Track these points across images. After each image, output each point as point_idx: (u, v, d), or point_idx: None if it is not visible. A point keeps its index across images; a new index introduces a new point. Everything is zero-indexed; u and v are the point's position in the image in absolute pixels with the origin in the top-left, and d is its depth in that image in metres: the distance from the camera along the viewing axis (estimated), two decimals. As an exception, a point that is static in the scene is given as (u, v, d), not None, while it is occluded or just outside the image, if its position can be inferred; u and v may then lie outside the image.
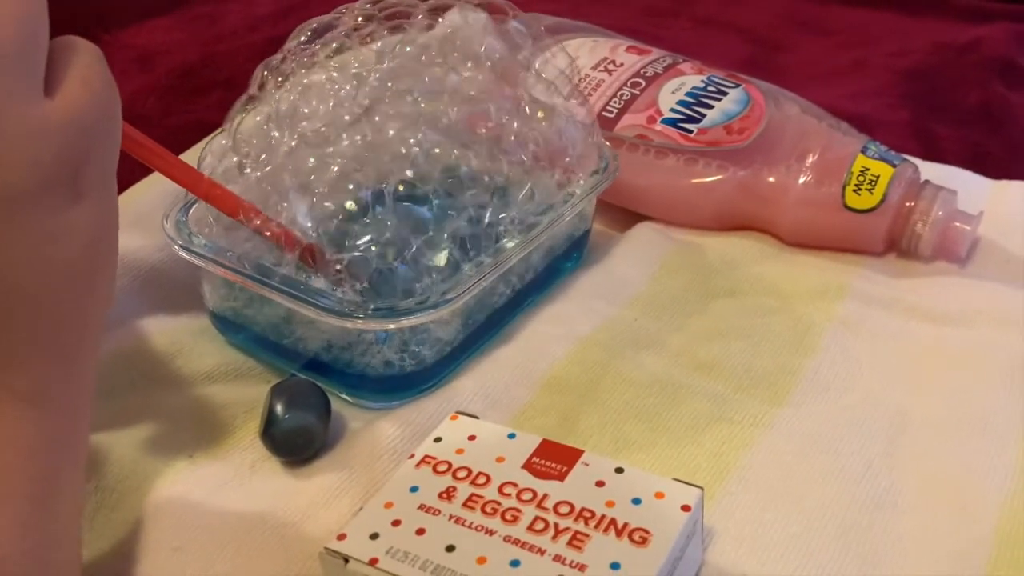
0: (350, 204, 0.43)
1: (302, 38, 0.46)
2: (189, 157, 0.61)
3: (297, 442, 0.40)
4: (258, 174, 0.43)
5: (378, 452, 0.40)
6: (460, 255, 0.43)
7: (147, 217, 0.51)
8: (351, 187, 0.44)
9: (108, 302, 0.31)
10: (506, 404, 0.43)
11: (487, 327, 0.46)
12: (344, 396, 0.44)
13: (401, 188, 0.43)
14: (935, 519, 0.38)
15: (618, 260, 0.52)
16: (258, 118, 0.45)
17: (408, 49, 0.47)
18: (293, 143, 0.44)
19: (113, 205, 0.30)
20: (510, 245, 0.45)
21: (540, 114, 0.48)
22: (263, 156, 0.44)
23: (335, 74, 0.46)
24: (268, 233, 0.42)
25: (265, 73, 0.45)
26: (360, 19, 0.46)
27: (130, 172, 0.58)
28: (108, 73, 0.29)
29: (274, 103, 0.44)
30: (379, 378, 0.43)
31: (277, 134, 0.45)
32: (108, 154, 0.29)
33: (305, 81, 0.45)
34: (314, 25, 0.46)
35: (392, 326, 0.41)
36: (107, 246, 0.30)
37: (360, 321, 0.40)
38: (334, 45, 0.46)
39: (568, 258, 0.51)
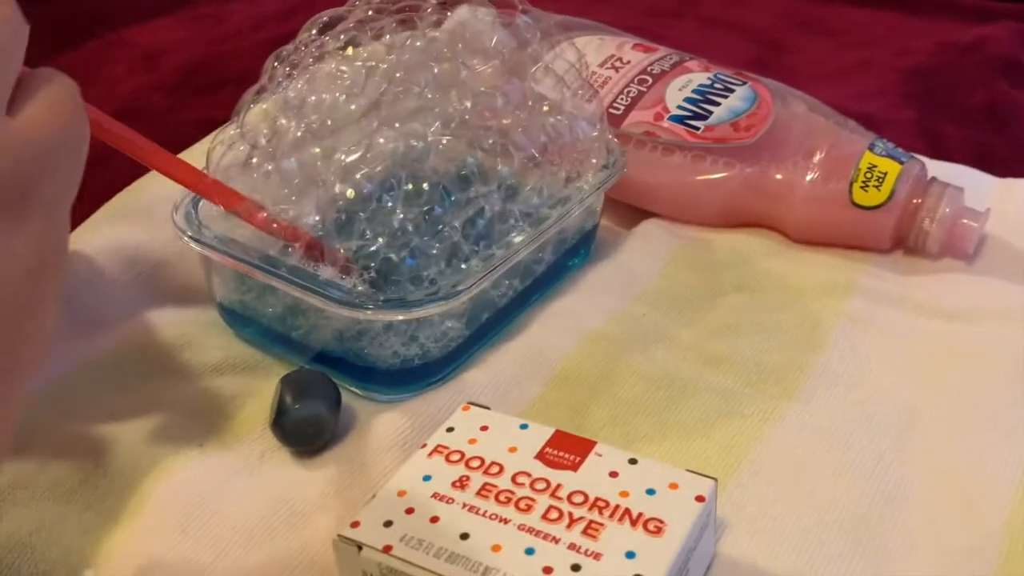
0: (350, 192, 0.43)
1: (313, 31, 0.46)
2: (196, 152, 0.61)
3: (307, 432, 0.40)
4: (268, 165, 0.43)
5: (389, 443, 0.40)
6: (469, 249, 0.43)
7: (155, 210, 0.51)
8: (358, 177, 0.43)
9: (44, 338, 0.28)
10: (516, 397, 0.43)
11: (495, 321, 0.46)
12: (354, 389, 0.44)
13: (411, 187, 0.43)
14: (946, 513, 0.38)
15: (626, 256, 0.52)
16: (265, 106, 0.45)
17: (417, 43, 0.47)
18: (299, 133, 0.44)
19: (62, 239, 0.29)
20: (518, 239, 0.45)
21: (548, 109, 0.48)
22: (271, 145, 0.44)
23: (344, 66, 0.46)
24: (275, 225, 0.42)
25: (275, 64, 0.45)
26: (371, 12, 0.46)
27: (135, 166, 0.58)
28: (80, 108, 0.29)
29: (282, 92, 0.44)
30: (388, 371, 0.43)
31: (284, 122, 0.45)
32: (64, 184, 0.28)
33: (314, 69, 0.45)
34: (325, 18, 0.46)
35: (402, 317, 0.41)
36: (48, 277, 0.28)
37: (370, 312, 0.40)
38: (343, 37, 0.46)
39: (576, 254, 0.51)
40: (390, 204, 0.43)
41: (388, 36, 0.47)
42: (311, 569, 0.35)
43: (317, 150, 0.43)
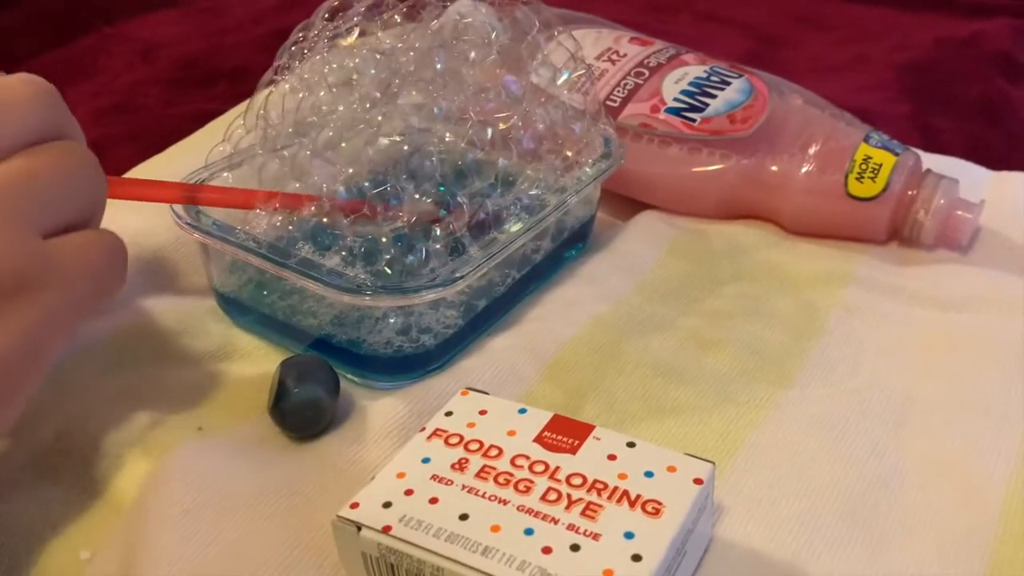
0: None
1: (324, 15, 0.46)
2: (190, 143, 0.61)
3: (307, 416, 0.40)
4: (285, 152, 0.44)
5: (387, 428, 0.40)
6: (468, 239, 0.44)
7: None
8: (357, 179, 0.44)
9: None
10: (513, 385, 0.43)
11: (493, 309, 0.46)
12: (351, 377, 0.44)
13: (414, 187, 0.43)
14: (941, 498, 0.38)
15: (623, 246, 0.52)
16: (273, 90, 0.45)
17: (416, 36, 0.47)
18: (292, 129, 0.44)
19: (40, 343, 0.31)
20: (515, 229, 0.45)
21: (546, 99, 0.49)
22: (277, 131, 0.44)
23: (346, 59, 0.47)
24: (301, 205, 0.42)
25: (292, 49, 0.45)
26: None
27: (132, 155, 0.58)
28: (116, 264, 0.34)
29: (289, 80, 0.45)
30: (386, 358, 0.43)
31: (291, 107, 0.45)
32: (66, 306, 0.31)
33: (319, 59, 0.45)
34: (335, 2, 0.46)
35: (400, 303, 0.41)
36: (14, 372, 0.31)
37: (368, 298, 0.40)
38: (356, 20, 0.46)
39: (572, 245, 0.51)
40: (394, 202, 0.43)
41: (392, 24, 0.47)
42: (310, 550, 0.35)
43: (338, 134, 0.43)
